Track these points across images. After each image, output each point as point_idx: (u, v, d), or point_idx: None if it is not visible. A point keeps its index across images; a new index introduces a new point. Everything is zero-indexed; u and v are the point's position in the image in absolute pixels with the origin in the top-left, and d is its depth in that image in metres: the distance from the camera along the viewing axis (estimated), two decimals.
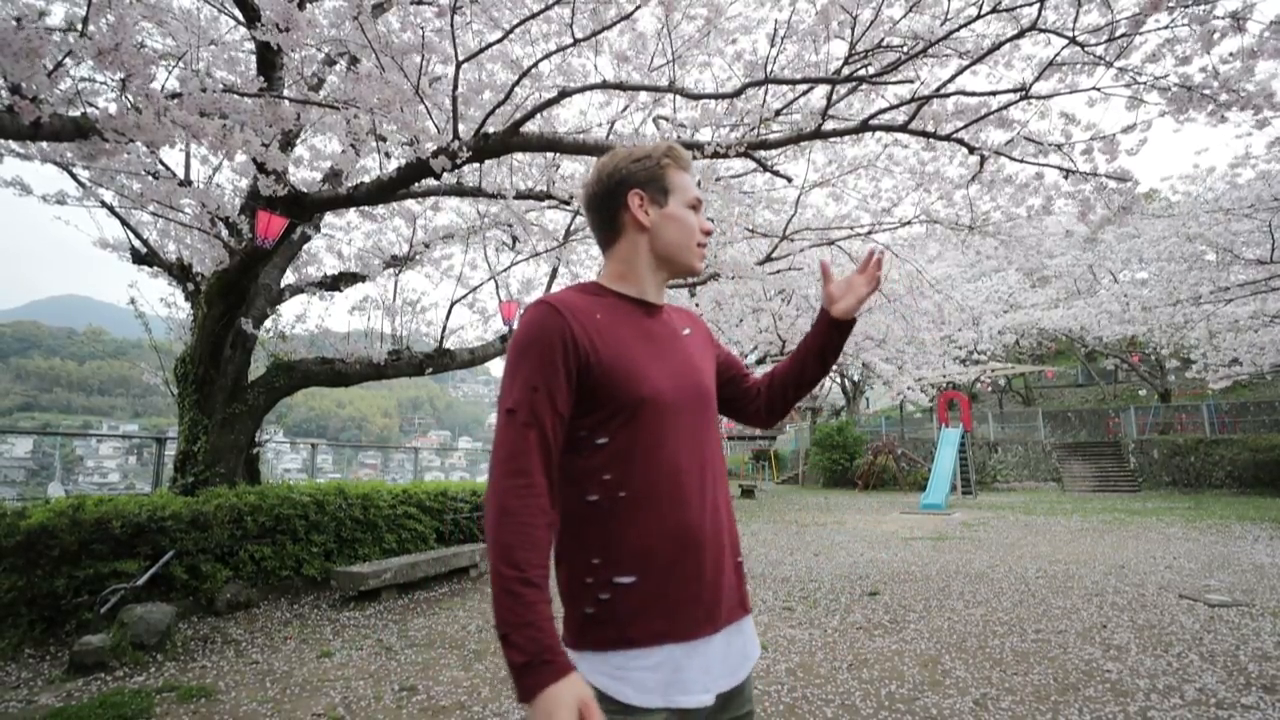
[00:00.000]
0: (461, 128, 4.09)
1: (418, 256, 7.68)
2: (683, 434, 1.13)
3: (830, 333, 1.35)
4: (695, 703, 1.05)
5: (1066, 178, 4.85)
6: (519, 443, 1.02)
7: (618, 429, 1.09)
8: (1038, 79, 4.17)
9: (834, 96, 4.45)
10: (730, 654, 1.14)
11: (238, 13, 3.83)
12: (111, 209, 5.88)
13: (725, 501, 1.20)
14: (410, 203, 6.99)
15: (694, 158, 4.43)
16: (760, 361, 14.91)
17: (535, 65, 4.15)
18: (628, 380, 1.10)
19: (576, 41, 3.97)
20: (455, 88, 3.85)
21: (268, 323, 6.51)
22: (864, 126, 4.56)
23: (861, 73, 4.26)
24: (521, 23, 3.91)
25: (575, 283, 1.33)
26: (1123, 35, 3.86)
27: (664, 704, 1.04)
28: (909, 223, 7.41)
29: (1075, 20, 3.87)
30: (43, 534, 4.20)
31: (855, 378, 27.86)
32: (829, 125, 4.57)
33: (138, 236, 6.25)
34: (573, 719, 0.89)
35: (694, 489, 1.12)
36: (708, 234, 1.27)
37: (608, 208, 1.22)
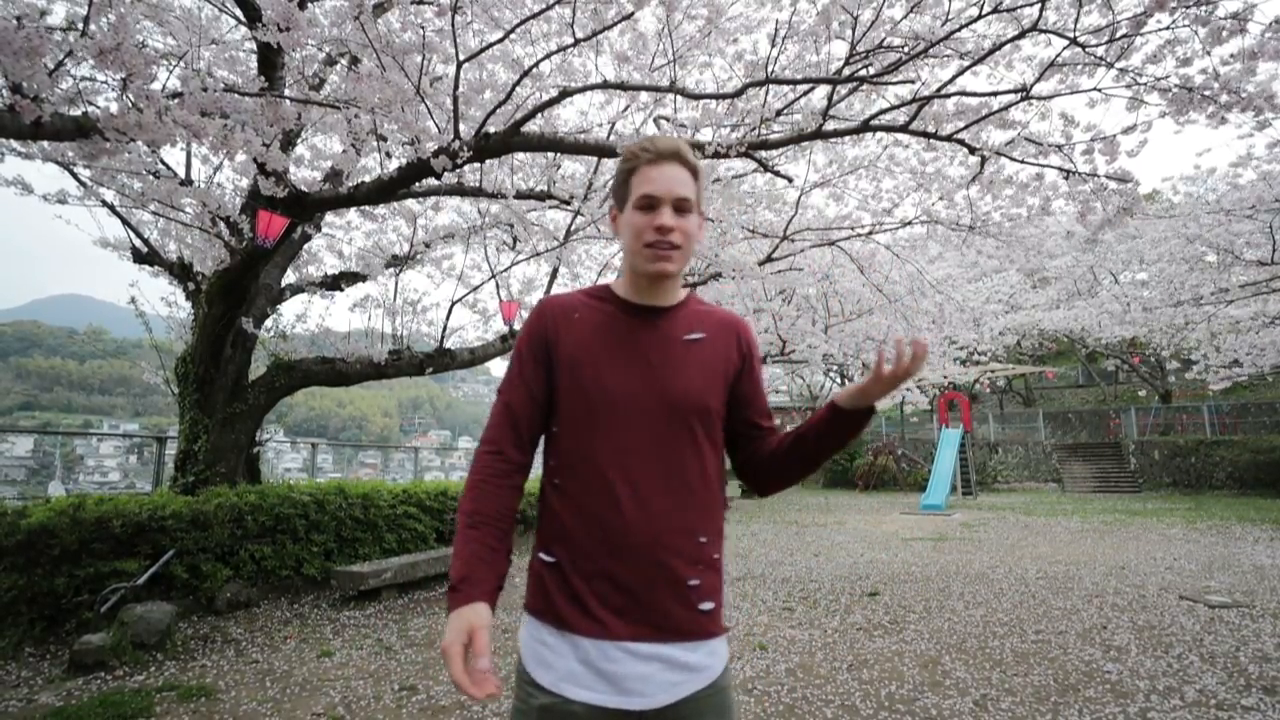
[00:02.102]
0: (462, 127, 4.09)
1: (418, 256, 7.68)
2: (630, 438, 1.14)
3: (838, 419, 1.19)
4: (577, 696, 1.07)
5: (1067, 178, 4.85)
6: (494, 414, 1.22)
7: (562, 419, 1.18)
8: (1038, 80, 4.17)
9: (835, 97, 4.45)
10: (644, 673, 1.08)
11: (239, 12, 3.83)
12: (112, 208, 5.88)
13: (679, 516, 1.14)
14: (411, 202, 6.98)
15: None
16: (760, 362, 14.86)
17: (536, 65, 4.15)
18: (575, 376, 1.17)
19: (577, 41, 3.97)
20: (456, 87, 3.85)
21: (268, 322, 6.52)
22: (865, 127, 4.56)
23: (862, 73, 4.25)
24: (522, 23, 3.91)
25: (594, 284, 1.34)
26: (1124, 36, 3.86)
27: (551, 687, 1.09)
28: (910, 223, 7.41)
29: (1076, 21, 3.87)
30: (43, 533, 4.20)
31: (855, 378, 27.84)
32: (830, 125, 4.57)
33: (139, 236, 6.25)
34: (458, 637, 1.03)
35: (627, 494, 1.12)
36: (661, 230, 1.15)
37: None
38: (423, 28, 3.89)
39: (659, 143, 1.19)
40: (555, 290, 8.11)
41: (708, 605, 1.15)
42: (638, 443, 1.14)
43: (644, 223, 1.17)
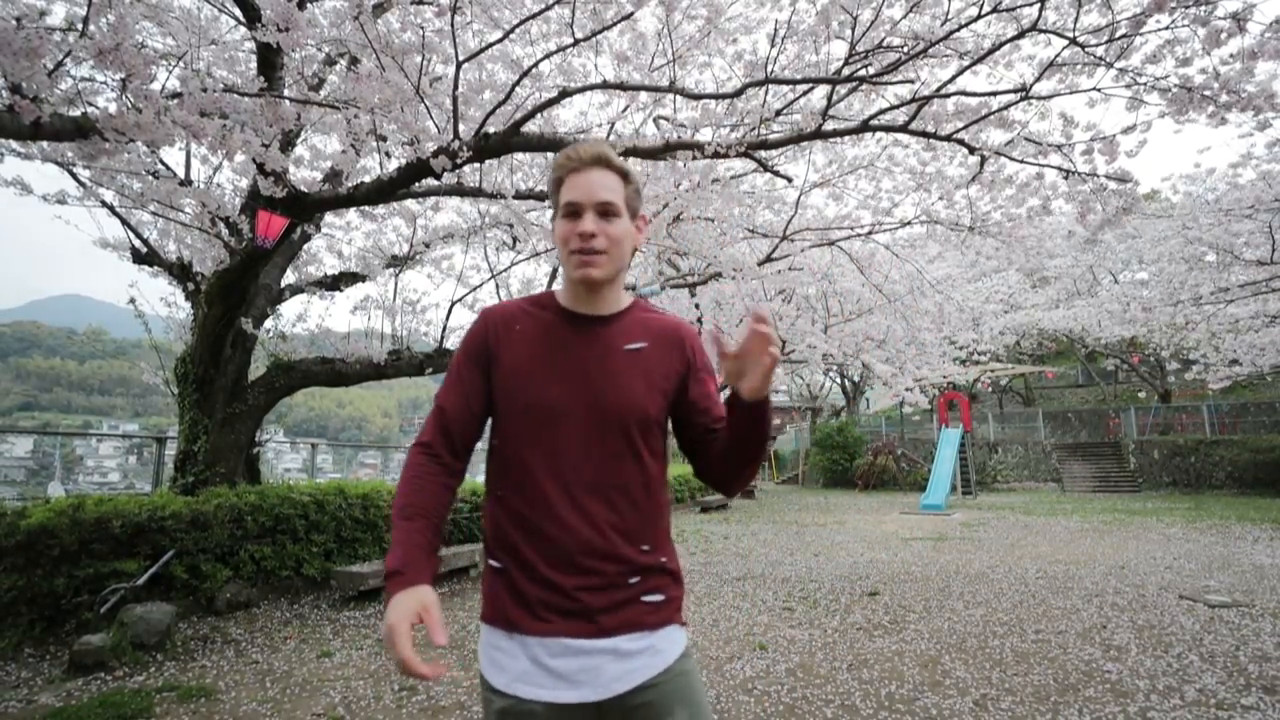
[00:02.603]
0: (462, 128, 4.08)
1: (418, 256, 7.68)
2: (568, 449, 1.15)
3: (737, 414, 1.15)
4: (532, 695, 1.10)
5: (1066, 178, 4.85)
6: (430, 418, 1.22)
7: (501, 431, 1.20)
8: (1038, 79, 4.17)
9: (834, 97, 4.45)
10: (593, 665, 1.10)
11: (238, 12, 3.83)
12: (112, 209, 5.87)
13: (620, 525, 1.14)
14: (410, 202, 6.98)
15: (694, 157, 4.42)
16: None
17: (535, 65, 4.15)
18: (514, 387, 1.18)
19: (577, 42, 3.97)
20: (455, 88, 3.85)
21: (268, 322, 6.51)
22: (864, 127, 4.56)
23: (862, 73, 4.25)
24: (522, 23, 3.91)
25: (538, 291, 1.35)
26: (1123, 36, 3.86)
27: (505, 689, 1.12)
28: (909, 223, 7.41)
29: (1076, 21, 3.87)
30: (43, 533, 4.20)
31: (855, 378, 27.87)
32: (829, 125, 4.57)
33: (138, 236, 6.25)
34: (406, 616, 1.02)
35: (565, 505, 1.13)
36: (583, 236, 1.15)
37: None
38: (422, 28, 3.89)
39: (582, 149, 1.19)
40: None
41: (655, 598, 1.17)
42: (576, 453, 1.15)
43: (568, 230, 1.17)
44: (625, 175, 1.21)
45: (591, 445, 1.15)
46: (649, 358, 1.22)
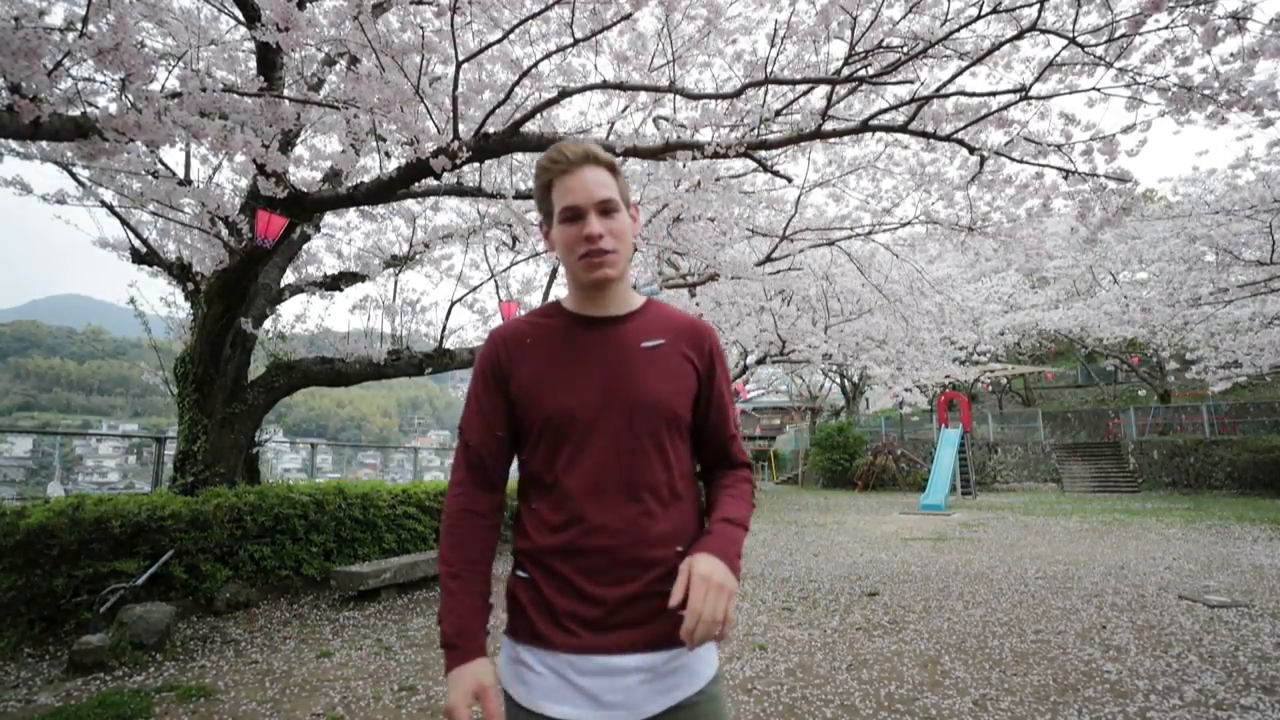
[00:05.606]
0: (461, 128, 4.08)
1: (418, 256, 7.68)
2: (595, 454, 1.10)
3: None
4: (554, 712, 1.04)
5: (1066, 178, 4.86)
6: (458, 454, 1.19)
7: (530, 447, 1.16)
8: (1037, 79, 4.17)
9: (834, 97, 4.44)
10: (625, 685, 1.05)
11: (238, 12, 3.83)
12: (111, 208, 5.87)
13: (650, 528, 1.10)
14: (410, 202, 6.99)
15: (694, 157, 4.43)
16: (760, 362, 14.90)
17: (535, 65, 4.14)
18: (533, 403, 1.14)
19: (576, 42, 3.97)
20: (455, 88, 3.85)
21: (267, 322, 6.52)
22: (864, 127, 4.56)
23: (861, 73, 4.25)
24: (521, 23, 3.91)
25: (546, 302, 1.30)
26: (1122, 36, 3.86)
27: (528, 704, 1.06)
28: (909, 223, 7.42)
29: (1075, 21, 3.87)
30: (42, 533, 4.20)
31: (855, 378, 27.87)
32: (829, 126, 4.57)
33: (138, 236, 6.25)
34: (464, 699, 1.03)
35: (595, 511, 1.09)
36: (590, 239, 1.11)
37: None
38: (422, 28, 3.89)
39: (567, 149, 1.14)
40: (553, 293, 8.11)
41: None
42: (603, 458, 1.10)
43: (573, 234, 1.13)
44: (614, 168, 1.17)
45: (618, 448, 1.10)
46: (668, 354, 1.17)
